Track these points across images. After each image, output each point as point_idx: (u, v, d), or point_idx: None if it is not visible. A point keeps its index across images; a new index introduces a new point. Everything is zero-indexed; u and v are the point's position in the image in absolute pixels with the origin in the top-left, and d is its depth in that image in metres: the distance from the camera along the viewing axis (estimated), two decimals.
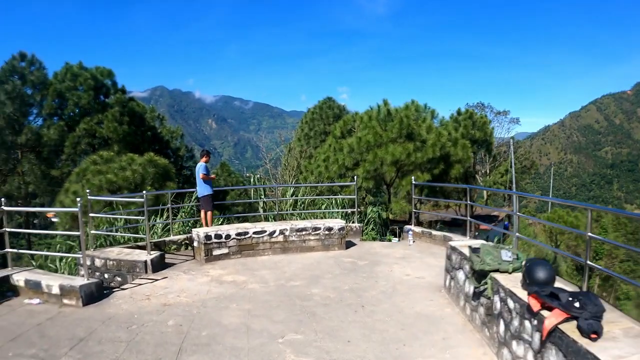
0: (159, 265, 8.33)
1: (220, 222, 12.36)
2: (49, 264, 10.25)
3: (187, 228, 11.23)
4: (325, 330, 5.47)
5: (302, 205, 12.88)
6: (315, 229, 9.63)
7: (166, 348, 5.01)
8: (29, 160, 21.18)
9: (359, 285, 7.27)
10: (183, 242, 10.16)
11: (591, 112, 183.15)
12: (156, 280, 7.69)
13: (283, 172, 19.91)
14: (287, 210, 12.41)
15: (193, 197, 12.06)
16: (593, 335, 3.40)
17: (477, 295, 5.66)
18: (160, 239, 10.08)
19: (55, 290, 6.71)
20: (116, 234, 9.91)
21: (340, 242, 9.79)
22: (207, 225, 10.34)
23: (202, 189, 10.47)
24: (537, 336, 3.99)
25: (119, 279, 8.34)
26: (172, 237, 10.17)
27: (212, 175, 11.03)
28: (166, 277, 7.84)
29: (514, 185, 27.24)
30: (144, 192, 8.17)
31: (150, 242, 9.54)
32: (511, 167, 28.98)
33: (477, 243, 6.63)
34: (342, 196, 13.82)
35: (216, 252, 8.98)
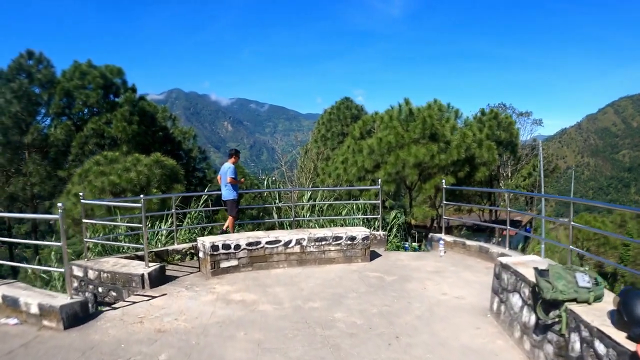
0: (158, 279, 7.29)
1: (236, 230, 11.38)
2: (41, 274, 9.31)
3: (194, 235, 10.20)
4: None
5: (321, 210, 11.79)
6: (336, 238, 8.52)
7: None
8: (34, 161, 20.37)
9: (390, 308, 6.15)
10: (188, 252, 9.09)
11: (608, 115, 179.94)
12: (153, 297, 6.66)
13: (299, 175, 18.88)
14: (304, 217, 11.32)
15: (201, 201, 11.03)
16: None
17: (542, 328, 4.53)
18: (163, 248, 9.04)
19: (34, 309, 5.72)
20: (110, 242, 8.90)
21: (364, 253, 8.68)
22: (230, 230, 9.46)
23: (228, 192, 9.49)
24: None
25: (114, 293, 7.35)
26: (176, 246, 9.11)
27: (242, 179, 10.14)
28: (165, 294, 6.80)
29: (542, 189, 25.83)
30: (142, 196, 7.14)
31: (152, 252, 8.58)
32: (540, 169, 27.56)
33: (541, 262, 5.50)
34: (364, 201, 12.69)
35: (224, 265, 7.92)
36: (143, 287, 7.03)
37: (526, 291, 4.97)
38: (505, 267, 5.56)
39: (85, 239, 8.09)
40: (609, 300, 4.05)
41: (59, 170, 20.87)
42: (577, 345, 3.90)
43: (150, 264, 7.39)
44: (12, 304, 5.90)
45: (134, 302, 6.46)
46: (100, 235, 9.29)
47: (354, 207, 11.93)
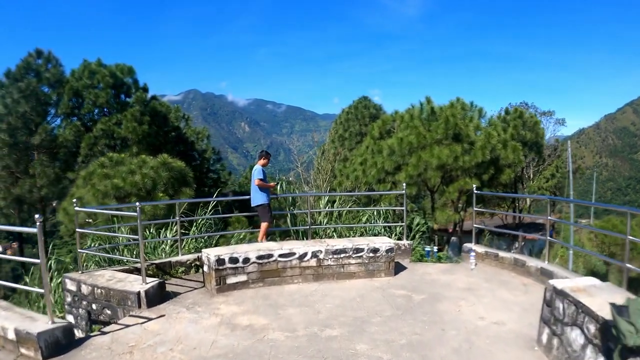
0: (157, 297, 6.47)
1: (241, 237, 10.56)
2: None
3: (201, 245, 9.39)
4: None
5: (339, 216, 10.92)
6: (357, 250, 7.62)
7: None
8: (42, 162, 19.74)
9: (421, 338, 5.24)
10: (193, 264, 8.27)
11: (627, 114, 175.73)
12: (149, 319, 5.85)
13: (316, 177, 18.01)
14: (320, 224, 10.45)
15: (209, 208, 10.20)
16: None
17: None
18: (165, 260, 8.22)
19: (11, 335, 4.98)
20: (104, 254, 8.14)
21: (388, 266, 7.77)
22: (262, 239, 8.61)
23: (256, 198, 8.61)
24: None
25: (109, 311, 6.56)
26: (179, 257, 8.28)
27: (271, 184, 9.07)
28: (163, 315, 5.99)
29: (571, 193, 24.67)
30: (137, 203, 6.32)
31: (153, 264, 7.80)
32: (569, 172, 26.37)
33: (603, 287, 4.57)
34: (386, 207, 11.76)
35: (231, 280, 7.08)
36: (139, 307, 6.23)
37: (591, 327, 4.05)
38: (561, 294, 4.63)
39: (80, 250, 7.34)
40: None
41: (69, 171, 20.26)
42: None
43: (149, 280, 6.58)
44: None
45: (127, 326, 5.66)
46: (99, 244, 8.53)
47: (375, 212, 11.05)
